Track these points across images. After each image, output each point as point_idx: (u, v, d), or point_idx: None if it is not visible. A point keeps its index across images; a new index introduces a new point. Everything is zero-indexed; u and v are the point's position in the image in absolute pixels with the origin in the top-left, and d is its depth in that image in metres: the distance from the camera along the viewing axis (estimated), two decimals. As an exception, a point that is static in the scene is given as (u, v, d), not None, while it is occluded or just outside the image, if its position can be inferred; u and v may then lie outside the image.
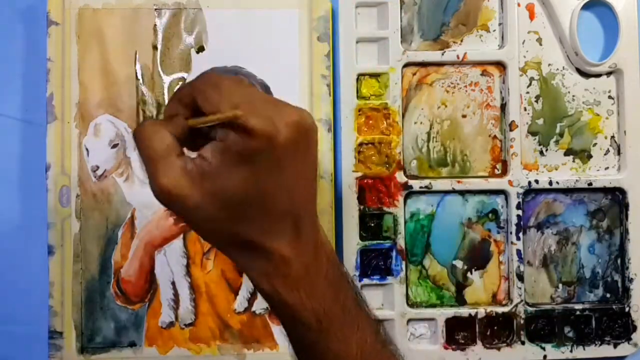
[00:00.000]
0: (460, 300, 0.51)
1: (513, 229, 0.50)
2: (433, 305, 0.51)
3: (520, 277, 0.50)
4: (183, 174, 0.29)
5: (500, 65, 0.51)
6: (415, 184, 0.50)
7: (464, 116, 0.51)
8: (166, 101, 0.50)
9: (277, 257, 0.31)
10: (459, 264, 0.51)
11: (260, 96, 0.31)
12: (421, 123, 0.51)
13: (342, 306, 0.33)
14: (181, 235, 0.49)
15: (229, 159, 0.29)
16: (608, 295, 0.51)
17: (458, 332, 0.50)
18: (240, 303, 0.49)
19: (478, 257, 0.51)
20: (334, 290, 0.33)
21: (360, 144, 0.50)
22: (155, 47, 0.50)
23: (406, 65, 0.51)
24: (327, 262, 0.33)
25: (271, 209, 0.31)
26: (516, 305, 0.50)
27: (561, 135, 0.52)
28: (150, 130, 0.30)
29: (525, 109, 0.51)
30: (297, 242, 0.31)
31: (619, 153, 0.52)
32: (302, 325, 0.32)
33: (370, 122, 0.50)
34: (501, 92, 0.51)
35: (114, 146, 0.49)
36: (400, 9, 0.51)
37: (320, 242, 0.33)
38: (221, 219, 0.30)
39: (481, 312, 0.50)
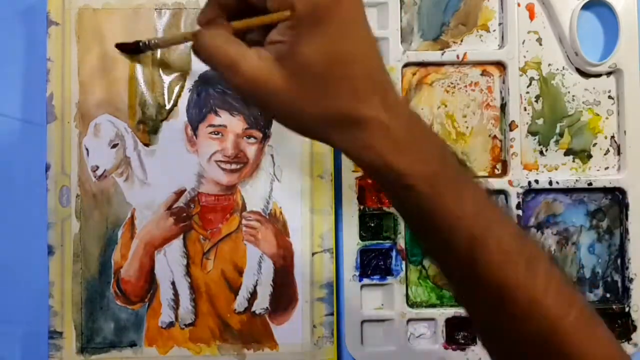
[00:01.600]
0: (460, 300, 0.51)
1: (513, 229, 0.50)
2: (433, 305, 0.51)
3: (520, 277, 0.50)
4: (261, 61, 0.30)
5: (500, 65, 0.51)
6: (415, 184, 0.50)
7: (464, 116, 0.51)
8: (166, 101, 0.50)
9: (374, 124, 0.30)
10: (459, 264, 0.51)
11: None
12: (421, 123, 0.51)
13: (450, 166, 0.31)
14: (181, 235, 0.49)
15: (301, 30, 0.30)
16: (608, 295, 0.51)
17: (458, 332, 0.50)
18: (240, 303, 0.49)
19: (478, 257, 0.51)
20: (439, 152, 0.32)
21: (360, 144, 0.50)
22: (155, 47, 0.50)
23: (406, 65, 0.50)
24: (423, 125, 0.32)
25: (353, 74, 0.30)
26: (516, 305, 0.50)
27: (561, 135, 0.52)
28: (215, 36, 0.31)
29: (525, 109, 0.51)
30: (388, 105, 0.30)
31: (619, 153, 0.52)
32: (413, 192, 0.30)
33: (370, 122, 0.50)
34: (501, 92, 0.51)
35: (114, 146, 0.49)
36: (400, 9, 0.51)
37: (408, 104, 0.32)
38: (308, 96, 0.30)
39: (481, 312, 0.50)
